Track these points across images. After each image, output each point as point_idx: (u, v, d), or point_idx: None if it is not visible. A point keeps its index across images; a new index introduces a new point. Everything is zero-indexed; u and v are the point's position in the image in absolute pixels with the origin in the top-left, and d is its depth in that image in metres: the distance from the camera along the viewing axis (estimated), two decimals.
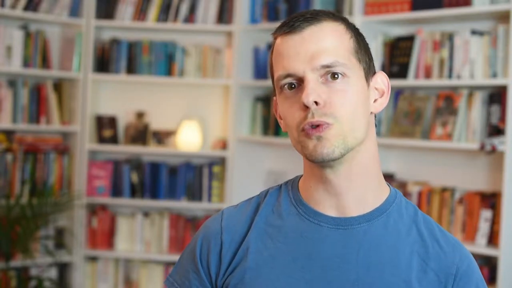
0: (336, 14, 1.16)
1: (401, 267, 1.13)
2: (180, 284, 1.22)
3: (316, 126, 1.09)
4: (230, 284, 1.16)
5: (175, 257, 4.18)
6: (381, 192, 1.19)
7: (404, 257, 1.14)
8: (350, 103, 1.10)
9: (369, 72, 1.16)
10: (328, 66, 1.10)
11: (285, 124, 1.16)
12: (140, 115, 4.36)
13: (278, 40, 1.15)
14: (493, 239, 3.15)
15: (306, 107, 1.09)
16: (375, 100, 1.17)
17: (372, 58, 1.18)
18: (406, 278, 1.13)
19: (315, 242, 1.15)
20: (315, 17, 1.13)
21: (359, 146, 1.13)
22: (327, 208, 1.16)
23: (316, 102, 1.09)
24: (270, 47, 1.19)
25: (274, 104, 1.22)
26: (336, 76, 1.10)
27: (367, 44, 1.18)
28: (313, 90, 1.09)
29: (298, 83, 1.12)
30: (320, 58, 1.10)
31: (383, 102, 1.18)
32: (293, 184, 1.22)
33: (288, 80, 1.12)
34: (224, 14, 4.19)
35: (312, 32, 1.11)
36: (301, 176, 1.23)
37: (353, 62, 1.12)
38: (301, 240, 1.15)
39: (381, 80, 1.19)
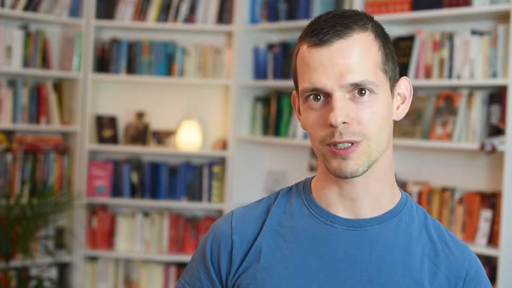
0: (364, 18, 1.14)
1: (413, 269, 1.15)
2: (191, 285, 1.22)
3: (344, 147, 1.09)
4: (242, 284, 1.16)
5: (175, 257, 4.19)
6: (394, 196, 1.19)
7: (416, 259, 1.15)
8: (378, 119, 1.10)
9: (394, 80, 1.16)
10: (356, 85, 1.09)
11: (305, 127, 1.16)
12: (140, 115, 4.36)
13: (305, 48, 1.13)
14: (493, 239, 3.15)
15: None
16: (397, 107, 1.18)
17: (397, 63, 1.18)
18: (417, 280, 1.14)
19: (328, 243, 1.16)
20: (345, 29, 1.10)
21: (380, 156, 1.14)
22: (341, 210, 1.17)
23: (344, 122, 1.09)
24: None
25: (293, 97, 1.21)
26: (363, 92, 1.10)
27: (393, 48, 1.17)
28: (342, 111, 1.08)
29: (324, 96, 1.11)
30: (349, 75, 1.08)
31: (405, 108, 1.19)
32: (304, 185, 1.23)
33: (314, 92, 1.11)
34: (224, 14, 4.19)
35: (341, 46, 1.09)
36: (313, 177, 1.23)
37: (380, 76, 1.12)
38: (314, 241, 1.16)
39: (404, 85, 1.19)
